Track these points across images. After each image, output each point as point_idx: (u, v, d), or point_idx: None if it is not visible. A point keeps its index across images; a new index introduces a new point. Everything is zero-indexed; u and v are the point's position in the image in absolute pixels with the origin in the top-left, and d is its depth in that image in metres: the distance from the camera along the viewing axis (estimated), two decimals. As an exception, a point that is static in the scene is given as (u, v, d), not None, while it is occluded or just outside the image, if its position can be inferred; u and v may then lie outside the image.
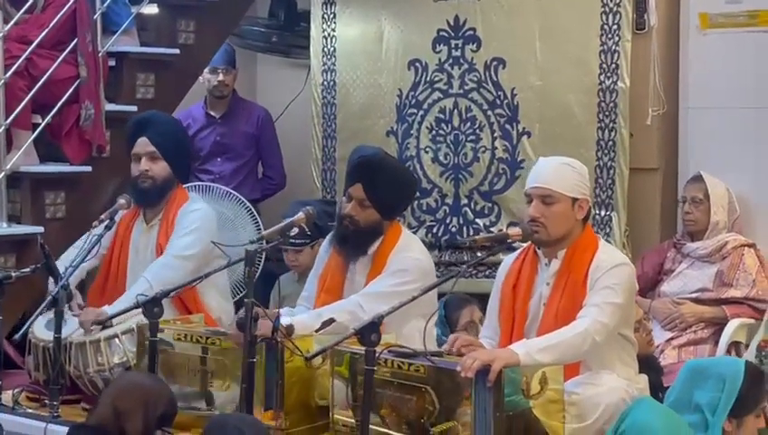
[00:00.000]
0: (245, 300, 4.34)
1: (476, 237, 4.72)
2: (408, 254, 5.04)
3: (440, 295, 5.15)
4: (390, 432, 4.30)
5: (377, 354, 4.10)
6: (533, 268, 4.66)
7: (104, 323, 5.01)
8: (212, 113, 7.48)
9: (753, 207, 6.13)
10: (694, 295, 5.99)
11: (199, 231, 5.40)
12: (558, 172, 4.62)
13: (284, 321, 4.62)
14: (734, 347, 5.74)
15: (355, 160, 5.15)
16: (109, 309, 5.12)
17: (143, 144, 5.52)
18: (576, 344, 4.30)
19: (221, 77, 7.34)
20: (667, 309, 5.97)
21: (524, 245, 4.82)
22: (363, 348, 4.11)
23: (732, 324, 5.78)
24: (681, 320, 5.91)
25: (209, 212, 5.55)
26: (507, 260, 4.81)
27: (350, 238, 5.09)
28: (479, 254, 4.50)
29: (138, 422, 3.77)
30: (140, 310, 4.71)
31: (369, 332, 4.06)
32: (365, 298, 4.87)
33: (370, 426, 4.12)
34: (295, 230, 4.93)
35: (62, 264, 5.20)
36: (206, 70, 7.29)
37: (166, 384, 4.26)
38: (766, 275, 5.93)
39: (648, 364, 4.95)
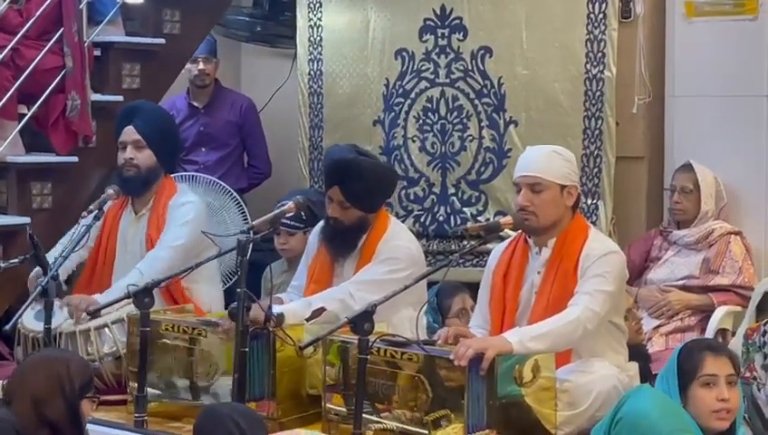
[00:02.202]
0: (238, 290, 4.33)
1: (468, 226, 4.73)
2: (398, 242, 5.05)
3: (430, 284, 5.18)
4: (382, 421, 4.30)
5: (369, 343, 4.10)
6: (524, 257, 4.67)
7: (95, 314, 4.99)
8: (195, 104, 7.46)
9: (739, 195, 6.15)
10: (680, 283, 6.01)
11: (191, 223, 5.41)
12: (546, 160, 4.63)
13: (274, 310, 4.62)
14: (721, 334, 5.75)
15: (328, 165, 5.16)
16: (100, 298, 5.12)
17: (129, 133, 5.53)
18: (568, 332, 4.32)
19: (201, 66, 7.31)
20: (654, 297, 5.99)
21: (513, 234, 4.83)
22: (356, 337, 4.11)
23: (719, 312, 5.79)
24: (668, 307, 5.93)
25: (200, 205, 5.58)
26: (497, 249, 4.82)
27: (337, 237, 5.10)
28: (470, 243, 4.47)
29: (60, 406, 3.62)
30: (131, 300, 4.69)
31: (363, 320, 4.05)
32: (355, 286, 4.87)
33: (363, 415, 4.12)
34: (291, 212, 4.94)
35: (51, 257, 5.18)
36: (187, 60, 7.28)
37: (72, 353, 4.18)
38: (752, 263, 5.96)
39: (637, 352, 4.96)
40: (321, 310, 4.61)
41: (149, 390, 4.71)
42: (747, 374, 4.65)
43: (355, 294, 4.82)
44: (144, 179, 5.52)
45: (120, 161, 5.54)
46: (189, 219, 5.42)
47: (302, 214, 5.25)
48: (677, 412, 3.61)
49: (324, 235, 5.16)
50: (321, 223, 5.24)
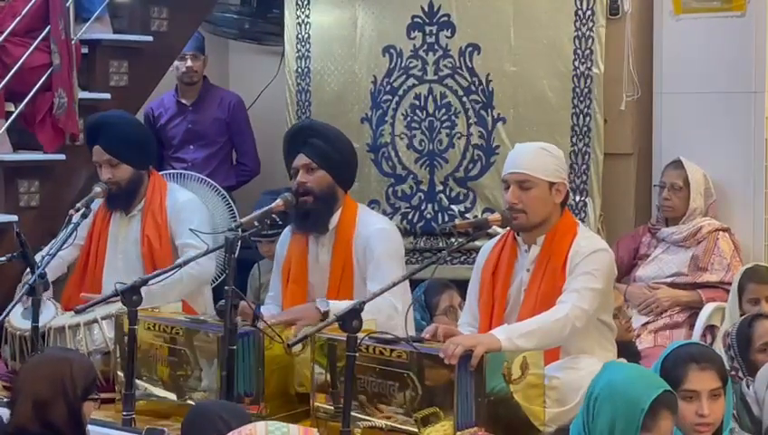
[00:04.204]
0: (226, 287, 4.31)
1: (456, 223, 4.71)
2: (379, 226, 5.08)
3: (418, 282, 5.17)
4: (371, 419, 4.29)
5: (358, 340, 4.09)
6: (513, 254, 4.67)
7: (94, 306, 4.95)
8: (183, 101, 7.44)
9: (728, 192, 6.15)
10: (669, 280, 6.02)
11: (204, 225, 5.41)
12: (534, 157, 4.62)
13: (321, 306, 4.70)
14: (710, 331, 5.75)
15: (288, 135, 5.21)
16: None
17: (98, 153, 5.49)
18: (556, 330, 4.32)
19: (189, 63, 7.29)
20: (643, 294, 5.99)
21: (501, 231, 4.82)
22: (343, 334, 4.10)
23: (707, 308, 5.79)
24: (657, 304, 5.93)
25: (200, 202, 5.64)
26: (486, 246, 4.82)
27: (310, 213, 5.05)
28: (458, 240, 4.47)
29: (61, 408, 3.64)
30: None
31: (351, 318, 4.04)
32: (393, 296, 4.71)
33: (351, 413, 4.11)
34: (280, 209, 4.93)
35: (40, 257, 5.16)
36: (175, 57, 7.26)
37: (77, 354, 4.12)
38: (741, 260, 5.96)
39: (627, 350, 4.97)
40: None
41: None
42: (733, 373, 4.66)
43: (398, 305, 4.78)
44: (127, 192, 5.50)
45: (102, 179, 5.50)
46: (200, 220, 5.44)
47: (278, 219, 5.23)
48: (649, 374, 3.64)
49: (296, 217, 5.09)
50: (285, 231, 5.25)
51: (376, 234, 5.01)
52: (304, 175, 5.03)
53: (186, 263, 4.87)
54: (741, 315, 5.17)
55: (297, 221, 5.12)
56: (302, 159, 5.05)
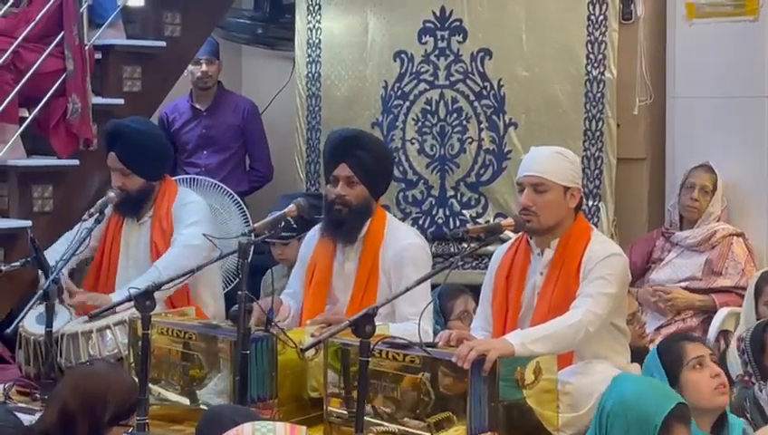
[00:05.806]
0: (239, 292, 4.32)
1: (469, 228, 4.70)
2: (411, 241, 5.06)
3: (432, 286, 5.16)
4: (384, 423, 4.30)
5: (371, 346, 4.09)
6: (526, 258, 4.67)
7: (107, 312, 4.97)
8: (197, 106, 7.46)
9: (741, 197, 6.15)
10: (683, 284, 6.01)
11: (201, 222, 5.40)
12: (550, 161, 4.62)
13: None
14: (723, 336, 5.74)
15: (335, 140, 5.13)
16: (114, 296, 5.11)
17: (112, 160, 5.48)
18: (570, 335, 4.31)
19: (204, 68, 7.31)
20: (655, 292, 5.97)
21: (514, 236, 4.82)
22: (357, 340, 4.10)
23: (721, 313, 5.78)
24: (672, 303, 5.92)
25: (204, 204, 5.56)
26: (500, 250, 4.82)
27: (344, 221, 5.05)
28: (470, 245, 4.46)
29: (84, 427, 3.62)
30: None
31: (364, 323, 4.04)
32: (423, 320, 4.56)
33: (365, 418, 4.11)
34: (281, 224, 4.92)
35: (51, 255, 5.17)
36: (189, 63, 7.27)
37: (122, 377, 3.99)
38: (755, 265, 5.95)
39: (640, 356, 4.95)
40: None
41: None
42: (746, 378, 4.66)
43: (429, 330, 4.78)
44: (136, 200, 5.49)
45: (114, 184, 5.51)
46: (198, 219, 5.42)
47: (293, 222, 5.21)
48: (660, 387, 3.69)
49: (329, 223, 5.09)
50: (312, 231, 5.23)
51: (408, 249, 5.00)
52: (344, 187, 5.01)
53: (200, 268, 4.87)
54: (757, 319, 5.16)
55: (328, 227, 5.11)
56: (344, 170, 5.01)
